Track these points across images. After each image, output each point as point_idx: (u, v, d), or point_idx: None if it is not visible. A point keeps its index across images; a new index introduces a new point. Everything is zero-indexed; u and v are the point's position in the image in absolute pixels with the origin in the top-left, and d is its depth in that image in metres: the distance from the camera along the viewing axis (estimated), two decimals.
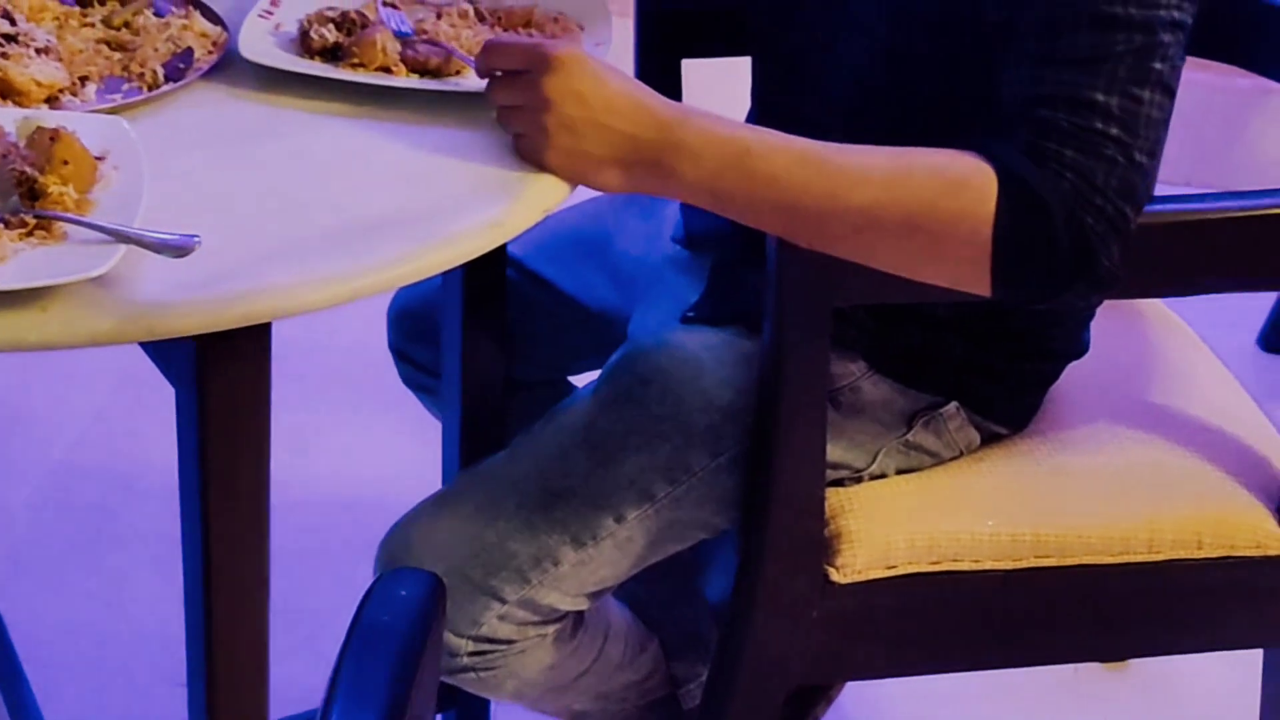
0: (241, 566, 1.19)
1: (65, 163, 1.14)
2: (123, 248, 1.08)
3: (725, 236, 1.55)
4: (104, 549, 2.22)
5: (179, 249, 1.09)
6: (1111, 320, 1.67)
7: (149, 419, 2.44)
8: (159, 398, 2.45)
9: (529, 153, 1.28)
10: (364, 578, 1.89)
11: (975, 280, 1.28)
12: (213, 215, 1.14)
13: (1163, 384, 1.67)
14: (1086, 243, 1.24)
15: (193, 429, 1.18)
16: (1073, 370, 1.59)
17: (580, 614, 1.54)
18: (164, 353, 1.20)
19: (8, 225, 1.10)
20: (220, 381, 1.15)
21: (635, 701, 1.71)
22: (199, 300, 1.08)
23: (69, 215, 1.11)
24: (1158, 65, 1.26)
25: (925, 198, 1.27)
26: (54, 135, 1.14)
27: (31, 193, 1.13)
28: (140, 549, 2.22)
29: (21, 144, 1.17)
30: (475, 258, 1.66)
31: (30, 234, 1.10)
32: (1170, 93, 1.27)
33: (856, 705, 2.05)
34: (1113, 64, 1.25)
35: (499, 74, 1.29)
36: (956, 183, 1.26)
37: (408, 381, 1.86)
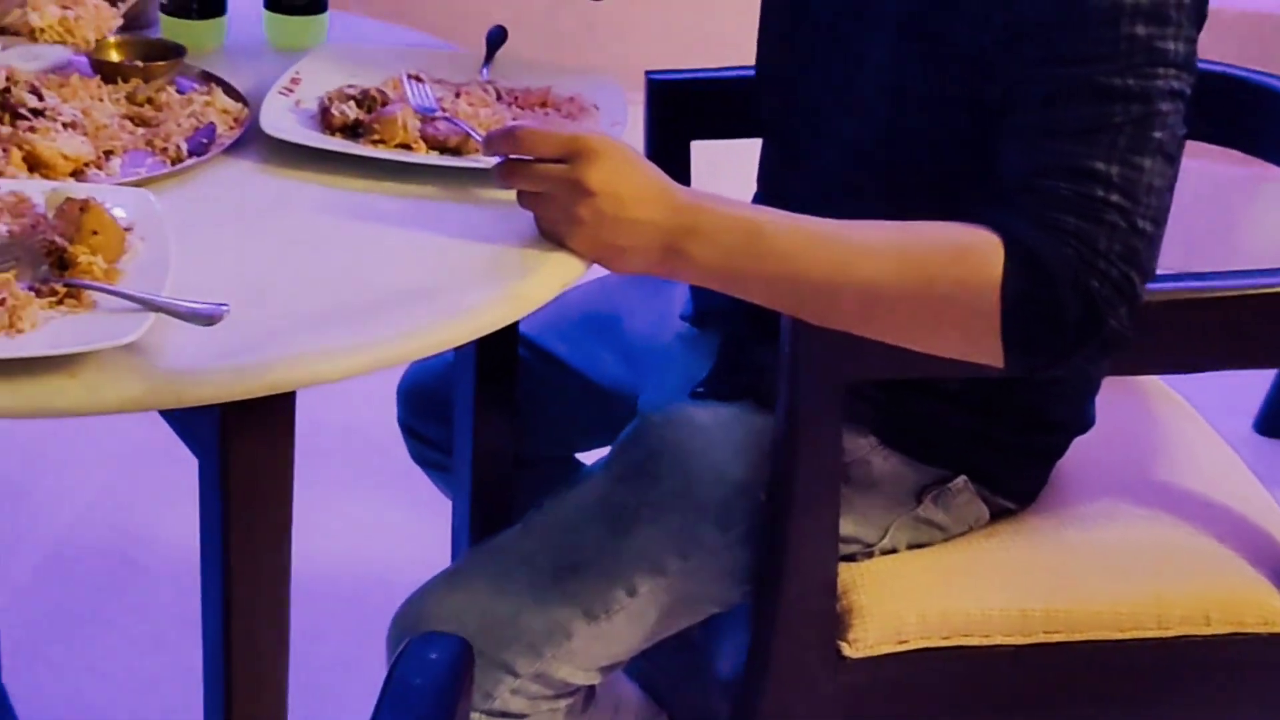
0: (262, 633, 1.20)
1: (94, 233, 1.15)
2: (151, 316, 1.10)
3: (733, 313, 1.57)
4: (106, 625, 2.22)
5: (208, 317, 1.10)
6: (1115, 397, 1.69)
7: (152, 497, 2.46)
8: (163, 475, 2.49)
9: (554, 235, 1.30)
10: (373, 655, 1.91)
11: (986, 349, 1.30)
12: (237, 287, 1.15)
13: (1167, 461, 1.68)
14: (1093, 306, 1.26)
15: (215, 497, 1.19)
16: (1079, 446, 1.60)
17: (592, 689, 1.54)
18: (188, 422, 1.21)
19: (38, 294, 1.12)
20: (244, 449, 1.16)
21: None
22: (226, 369, 1.09)
23: (98, 284, 1.13)
24: (1157, 134, 1.28)
25: (932, 267, 1.29)
26: (84, 206, 1.16)
27: (61, 262, 1.15)
28: (143, 626, 2.22)
29: (50, 215, 1.19)
30: (488, 335, 1.71)
31: (60, 302, 1.12)
32: (1172, 160, 1.29)
33: None
34: (1112, 134, 1.27)
35: (518, 158, 1.31)
36: (962, 251, 1.29)
37: (417, 458, 1.87)
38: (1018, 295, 1.27)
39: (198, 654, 2.10)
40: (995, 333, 1.29)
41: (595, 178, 1.27)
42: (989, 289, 1.28)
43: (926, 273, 1.29)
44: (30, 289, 1.12)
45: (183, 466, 2.48)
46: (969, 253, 1.29)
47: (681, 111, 1.81)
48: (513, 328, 1.75)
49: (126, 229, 1.20)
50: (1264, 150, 1.80)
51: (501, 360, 1.73)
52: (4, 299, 1.09)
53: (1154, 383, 1.81)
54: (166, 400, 1.07)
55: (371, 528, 2.39)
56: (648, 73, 1.79)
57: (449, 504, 1.76)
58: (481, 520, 1.68)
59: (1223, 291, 1.42)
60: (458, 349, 1.74)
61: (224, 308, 1.11)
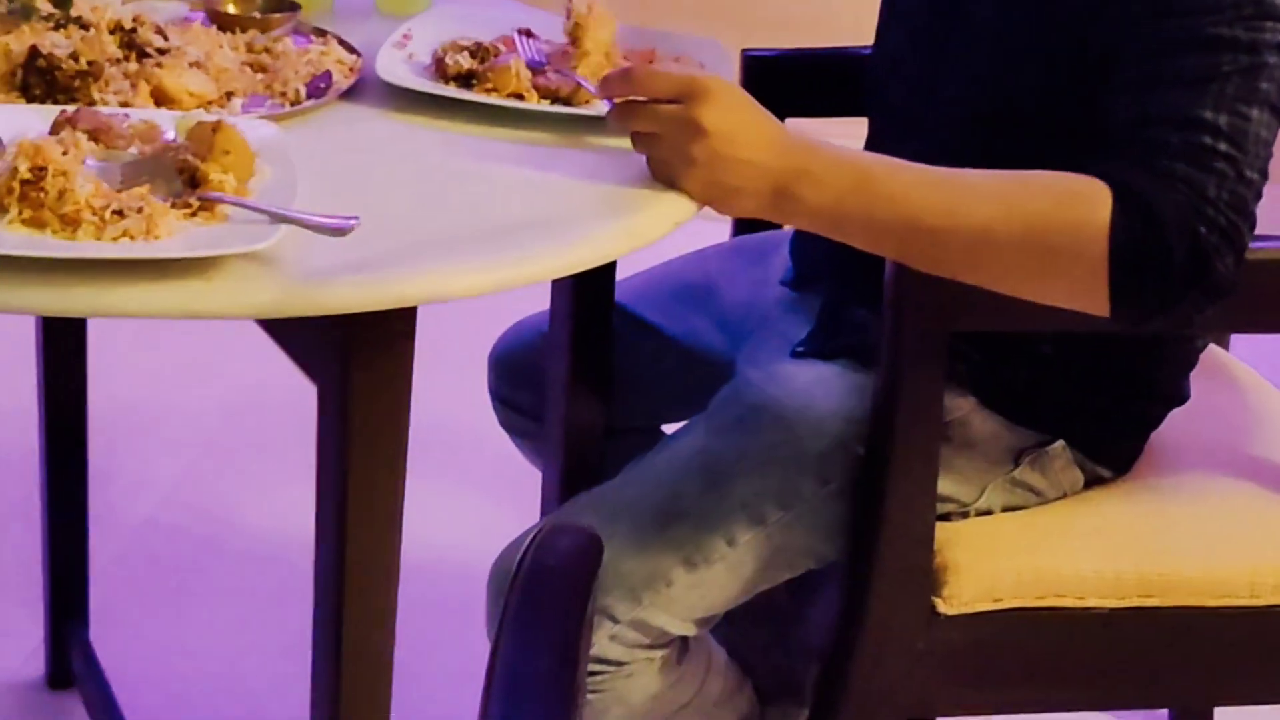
0: (376, 550, 1.22)
1: (226, 152, 1.18)
2: (283, 227, 1.12)
3: (835, 274, 1.59)
4: (190, 604, 2.24)
5: (338, 229, 1.13)
6: (1208, 380, 1.70)
7: (230, 481, 2.49)
8: (240, 461, 2.51)
9: (666, 176, 1.32)
10: (452, 635, 1.92)
11: (1092, 296, 1.31)
12: (361, 209, 1.17)
13: (1260, 438, 1.69)
14: (1201, 252, 1.27)
15: (335, 419, 1.21)
16: (1173, 420, 1.61)
17: (685, 643, 1.55)
18: (308, 346, 1.24)
19: (173, 206, 1.14)
20: (366, 366, 1.18)
21: None
22: (355, 280, 1.11)
23: (231, 198, 1.15)
24: (1264, 85, 1.30)
25: (1040, 211, 1.30)
26: (215, 126, 1.19)
27: (193, 181, 1.17)
28: (223, 601, 2.24)
29: (181, 139, 1.22)
30: (583, 303, 1.73)
31: (194, 215, 1.14)
32: (1277, 113, 1.31)
33: None
34: (1220, 83, 1.29)
35: (633, 100, 1.33)
36: (1071, 197, 1.30)
37: (506, 426, 1.89)
38: (1126, 241, 1.29)
39: (272, 624, 2.14)
40: (1102, 279, 1.30)
41: (710, 117, 1.29)
42: (1097, 235, 1.29)
43: (1035, 218, 1.31)
44: (165, 202, 1.15)
45: (257, 452, 2.53)
46: (1078, 199, 1.30)
47: (777, 89, 1.81)
48: (608, 296, 1.77)
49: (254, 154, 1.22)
50: None
51: (596, 328, 1.76)
52: (141, 207, 1.12)
53: (1246, 370, 1.81)
54: (296, 308, 1.10)
55: (453, 511, 2.40)
56: (744, 51, 1.81)
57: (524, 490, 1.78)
58: (571, 489, 1.70)
59: None
60: (552, 317, 1.76)
61: (354, 220, 1.13)
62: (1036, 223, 1.31)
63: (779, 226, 1.87)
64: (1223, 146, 1.29)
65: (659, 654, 1.51)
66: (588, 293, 1.75)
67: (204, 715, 2.05)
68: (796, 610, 1.78)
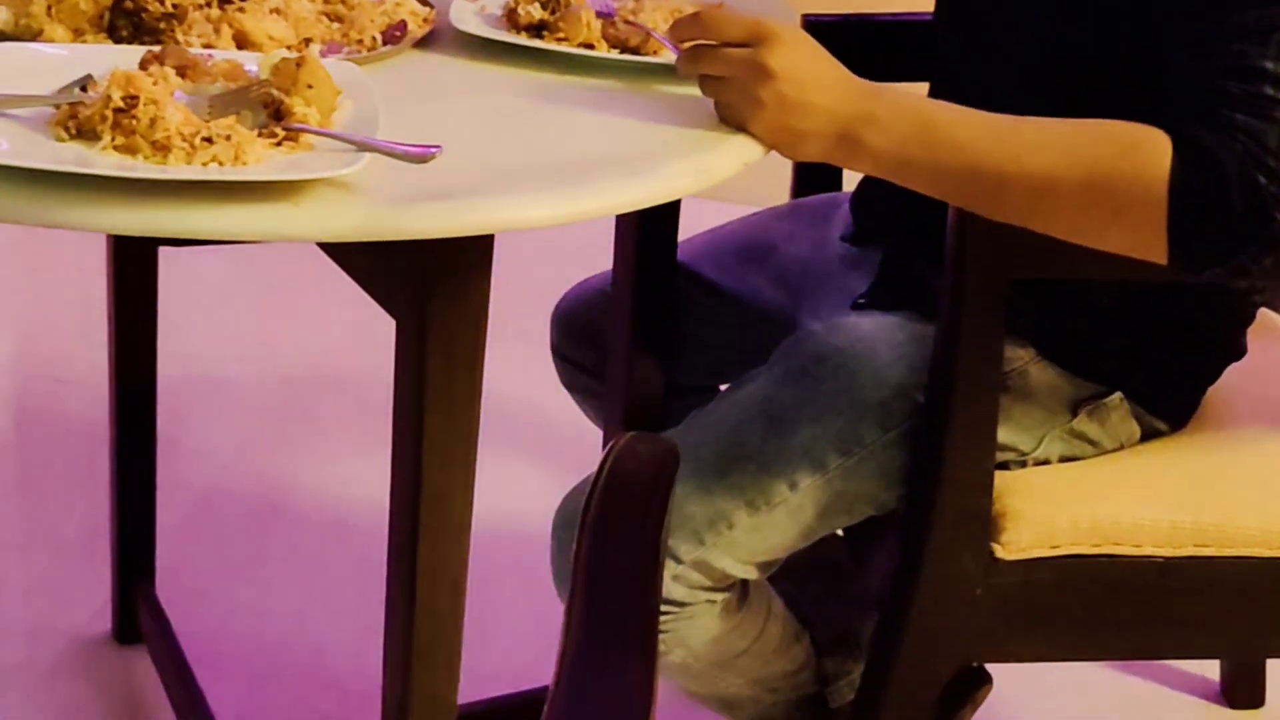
0: (452, 473, 1.25)
1: (310, 86, 1.21)
2: (367, 156, 1.16)
3: (896, 229, 1.61)
4: (253, 565, 2.28)
5: (421, 156, 1.16)
6: (1263, 340, 1.72)
7: (289, 450, 2.53)
8: (295, 431, 2.56)
9: (735, 120, 1.35)
10: (514, 595, 1.95)
11: (1152, 244, 1.33)
12: (440, 144, 1.20)
13: None
14: (1260, 202, 1.29)
15: (413, 349, 1.24)
16: (1228, 378, 1.63)
17: (746, 589, 1.58)
18: (387, 275, 1.27)
19: (259, 136, 1.18)
20: (444, 296, 1.22)
21: (786, 695, 1.75)
22: (437, 207, 1.14)
23: (316, 128, 1.19)
24: None
25: (1102, 160, 1.33)
26: (299, 61, 1.22)
27: (277, 114, 1.21)
28: (287, 568, 2.28)
29: (265, 75, 1.25)
30: (646, 262, 1.76)
31: (279, 144, 1.18)
32: None
33: None
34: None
35: (701, 44, 1.36)
36: (1132, 145, 1.32)
37: (569, 384, 1.92)
38: (1186, 189, 1.31)
39: (334, 584, 2.17)
40: (1162, 227, 1.32)
41: (777, 61, 1.32)
42: (1158, 182, 1.31)
43: (1096, 166, 1.33)
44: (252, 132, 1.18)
45: (312, 423, 2.57)
46: (1139, 147, 1.33)
47: (837, 55, 1.85)
48: (670, 255, 1.81)
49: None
50: None
51: (659, 286, 1.79)
52: (229, 135, 1.15)
53: None
54: (380, 232, 1.13)
55: (515, 477, 2.42)
56: (805, 15, 1.84)
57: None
58: None
59: None
60: (615, 275, 1.80)
61: (436, 148, 1.16)
62: (1098, 170, 1.34)
63: (838, 187, 1.90)
64: None
65: (720, 597, 1.54)
66: (650, 251, 1.78)
67: (270, 669, 2.08)
68: (854, 564, 1.81)
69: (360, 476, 2.42)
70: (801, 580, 1.76)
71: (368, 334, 2.90)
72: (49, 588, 2.19)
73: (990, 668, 1.79)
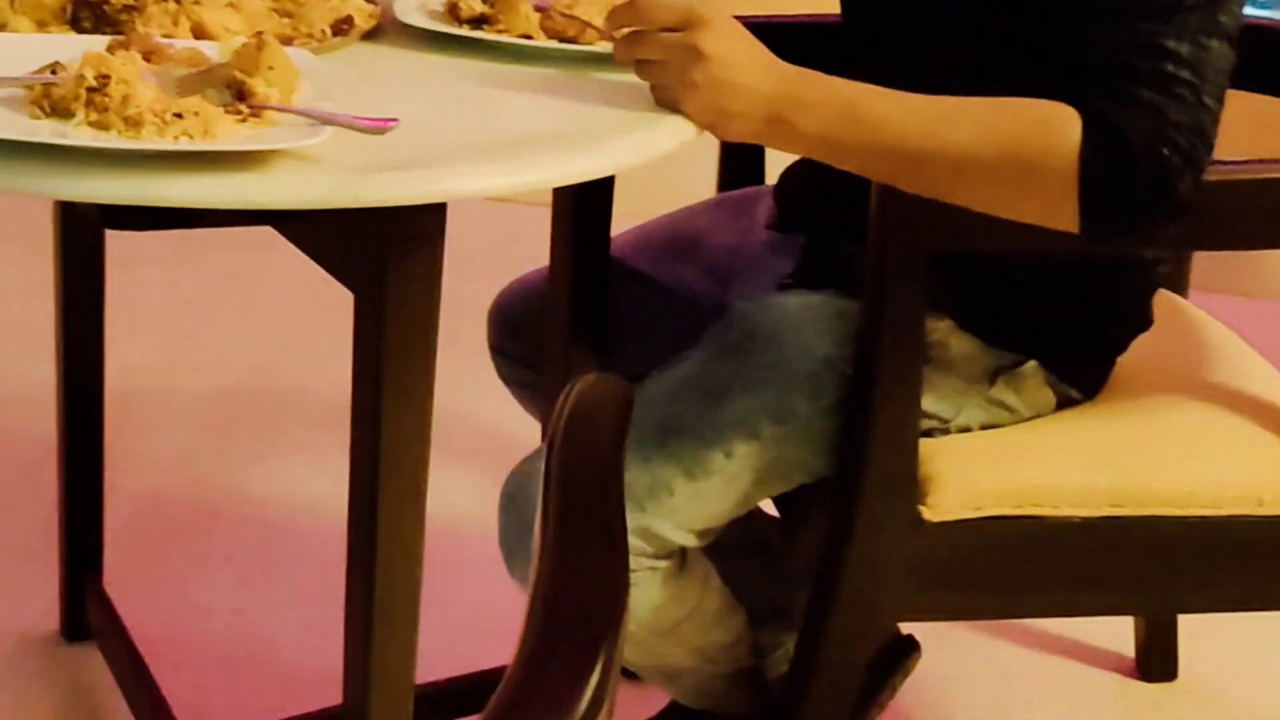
0: (411, 433, 1.31)
1: (270, 68, 1.28)
2: (328, 129, 1.22)
3: (818, 214, 1.70)
4: (196, 569, 2.32)
5: (379, 129, 1.23)
6: (1168, 316, 1.82)
7: (227, 458, 2.58)
8: (237, 438, 2.61)
9: (669, 101, 1.43)
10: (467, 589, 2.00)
11: (1064, 214, 1.42)
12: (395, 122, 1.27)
13: (1218, 368, 1.80)
14: (1164, 172, 1.38)
15: (372, 315, 1.30)
16: (1138, 350, 1.72)
17: (685, 557, 1.65)
18: (345, 245, 1.33)
19: (225, 113, 1.24)
20: (401, 262, 1.28)
21: (724, 667, 1.81)
22: (396, 176, 1.21)
23: (280, 106, 1.25)
24: (1223, 19, 1.41)
25: (1016, 135, 1.42)
26: (260, 44, 1.29)
27: (240, 94, 1.27)
28: (231, 569, 2.33)
29: (226, 59, 1.32)
30: (581, 255, 1.83)
31: (244, 120, 1.24)
32: (1234, 45, 1.43)
33: (915, 704, 2.15)
34: (1184, 15, 1.41)
35: (637, 30, 1.44)
36: (1044, 120, 1.41)
37: (506, 378, 1.98)
38: (1095, 161, 1.40)
39: (276, 584, 2.22)
40: (1073, 198, 1.41)
41: (709, 44, 1.40)
42: (1069, 155, 1.40)
43: (1011, 141, 1.42)
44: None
45: (250, 432, 2.62)
46: (1050, 122, 1.42)
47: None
48: (604, 250, 1.88)
49: None
50: None
51: (593, 280, 1.86)
52: (198, 111, 1.22)
53: (1199, 311, 1.93)
54: (343, 199, 1.19)
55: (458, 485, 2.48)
56: (735, 18, 1.92)
57: None
58: None
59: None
60: (551, 270, 1.87)
61: (393, 121, 1.23)
62: (1012, 145, 1.42)
63: (761, 181, 1.99)
64: (1185, 74, 1.41)
65: (662, 564, 1.61)
66: (584, 247, 1.86)
67: (220, 661, 2.13)
68: (787, 541, 1.88)
69: (296, 480, 2.48)
70: (735, 560, 1.83)
71: (303, 348, 2.95)
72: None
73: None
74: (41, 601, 2.18)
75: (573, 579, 0.81)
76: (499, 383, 1.99)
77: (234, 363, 2.88)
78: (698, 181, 2.09)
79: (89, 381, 2.07)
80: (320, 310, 3.09)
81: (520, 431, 2.03)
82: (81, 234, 1.98)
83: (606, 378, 1.08)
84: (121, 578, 2.18)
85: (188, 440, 2.63)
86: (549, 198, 1.79)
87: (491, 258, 2.51)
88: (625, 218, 1.92)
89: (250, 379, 2.83)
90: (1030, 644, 2.32)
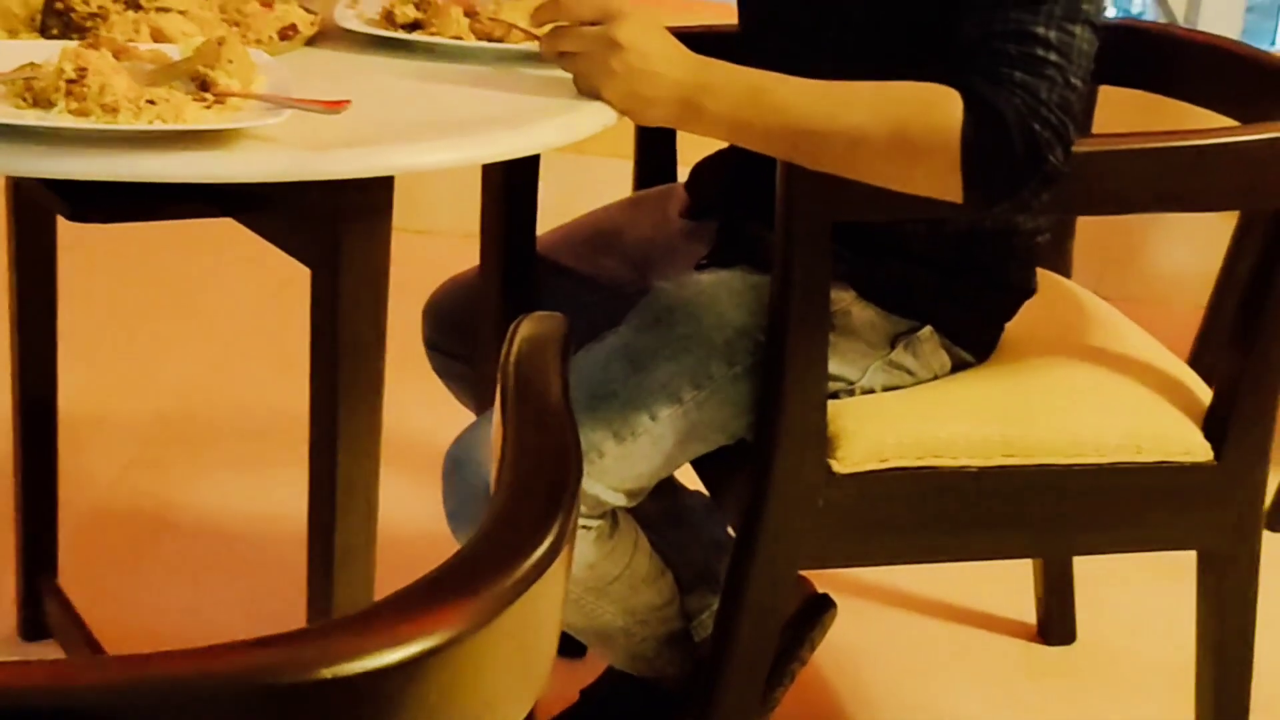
0: (363, 393, 1.45)
1: (230, 61, 1.41)
2: (288, 111, 1.36)
3: (728, 200, 1.85)
4: (146, 574, 2.43)
5: (334, 109, 1.36)
6: (1050, 291, 1.98)
7: (169, 473, 2.69)
8: (176, 454, 2.72)
9: (590, 89, 1.57)
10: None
11: (949, 186, 1.57)
12: (344, 113, 1.41)
13: (1100, 333, 1.97)
14: (1036, 145, 1.54)
15: (328, 285, 1.43)
16: (1024, 317, 1.88)
17: (616, 518, 1.78)
18: (302, 221, 1.46)
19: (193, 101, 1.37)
20: (354, 235, 1.42)
21: (654, 629, 1.95)
22: (350, 152, 1.35)
23: (241, 92, 1.39)
24: (1086, 6, 1.58)
25: (904, 116, 1.57)
26: (220, 40, 1.42)
27: (204, 86, 1.40)
28: (178, 572, 2.44)
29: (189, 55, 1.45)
30: (510, 253, 1.97)
31: (209, 107, 1.37)
32: (1096, 30, 1.59)
33: (833, 672, 2.29)
34: (1050, 4, 1.57)
35: (560, 25, 1.59)
36: (929, 101, 1.57)
37: (442, 372, 2.11)
38: (974, 136, 1.56)
39: (227, 593, 2.33)
40: (956, 170, 1.57)
41: (625, 35, 1.55)
42: (951, 132, 1.56)
43: (899, 122, 1.58)
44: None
45: (191, 447, 2.73)
46: (934, 103, 1.57)
47: None
48: (530, 248, 2.02)
49: None
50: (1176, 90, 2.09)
51: (521, 275, 2.00)
52: (169, 99, 1.35)
53: (1079, 288, 2.10)
54: (303, 173, 1.33)
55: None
56: None
57: None
58: None
59: (1148, 144, 1.70)
60: (482, 266, 2.01)
61: (347, 102, 1.37)
62: (900, 125, 1.58)
63: (673, 179, 2.13)
64: (1053, 57, 1.57)
65: (595, 524, 1.74)
66: (512, 245, 2.00)
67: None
68: (710, 510, 2.02)
69: (237, 494, 2.60)
70: (662, 530, 1.97)
71: (235, 370, 3.07)
72: None
73: (831, 629, 2.03)
74: (1, 603, 2.29)
75: (531, 453, 0.95)
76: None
77: (163, 389, 2.99)
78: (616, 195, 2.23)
79: (43, 393, 2.18)
80: (246, 333, 3.21)
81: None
82: (35, 247, 2.10)
83: (548, 314, 1.22)
84: (76, 582, 2.29)
85: (130, 456, 2.74)
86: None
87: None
88: (546, 221, 2.06)
89: (180, 403, 2.95)
90: (938, 615, 2.47)
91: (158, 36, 1.57)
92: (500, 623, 0.76)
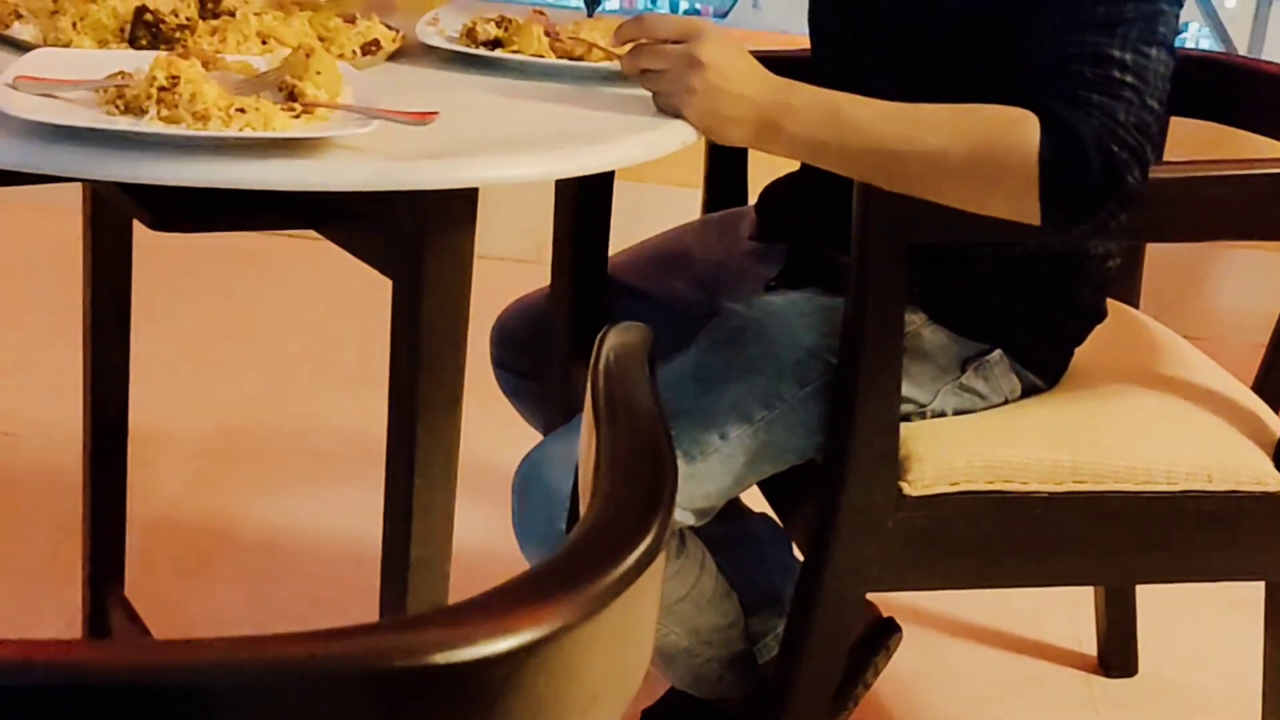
0: (443, 406, 1.45)
1: (319, 73, 1.43)
2: (375, 122, 1.37)
3: (799, 222, 1.85)
4: (208, 586, 2.45)
5: (421, 121, 1.38)
6: (1119, 320, 1.98)
7: (232, 488, 2.71)
8: (240, 470, 2.74)
9: (671, 107, 1.58)
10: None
11: (1027, 208, 1.58)
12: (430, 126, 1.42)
13: (1170, 362, 1.97)
14: (1113, 167, 1.55)
15: (409, 297, 1.45)
16: (1094, 343, 1.88)
17: (684, 538, 1.79)
18: (384, 233, 1.48)
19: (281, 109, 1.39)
20: (436, 248, 1.43)
21: (718, 650, 1.95)
22: (436, 163, 1.36)
23: (329, 103, 1.40)
24: (1161, 29, 1.58)
25: (982, 137, 1.58)
26: (309, 51, 1.44)
27: (291, 96, 1.42)
28: (238, 591, 2.46)
29: (277, 66, 1.46)
30: (581, 274, 1.98)
31: (298, 116, 1.39)
32: (1172, 52, 1.60)
33: (894, 699, 2.29)
34: (1125, 27, 1.57)
35: (642, 43, 1.60)
36: (1007, 123, 1.58)
37: (511, 391, 2.13)
38: (1052, 158, 1.56)
39: (288, 607, 2.34)
40: (1034, 192, 1.57)
41: (707, 54, 1.56)
42: (1029, 154, 1.56)
43: (978, 143, 1.58)
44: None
45: (251, 464, 2.75)
46: (1012, 125, 1.58)
47: None
48: (602, 268, 2.04)
49: None
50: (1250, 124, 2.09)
51: (591, 295, 2.02)
52: (258, 108, 1.36)
53: (1147, 317, 2.10)
54: (391, 183, 1.34)
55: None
56: None
57: None
58: None
59: (1224, 170, 1.71)
60: (553, 286, 2.02)
61: (434, 114, 1.38)
62: (979, 147, 1.58)
63: (744, 203, 2.14)
64: (1129, 79, 1.57)
65: None
66: (584, 266, 2.02)
67: None
68: (778, 532, 2.03)
69: (300, 507, 2.61)
70: (728, 552, 1.97)
71: (298, 388, 3.09)
72: (19, 603, 2.35)
73: (894, 656, 2.03)
74: (67, 611, 2.30)
75: (626, 456, 0.95)
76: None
77: (227, 403, 3.02)
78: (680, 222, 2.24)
79: (114, 408, 2.20)
80: (310, 352, 3.23)
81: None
82: (110, 262, 2.12)
83: (633, 324, 1.23)
84: (141, 593, 2.30)
85: (191, 472, 2.75)
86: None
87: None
88: (616, 244, 2.08)
89: (243, 418, 2.97)
90: (999, 645, 2.46)
91: (270, 37, 1.59)
92: (605, 617, 0.77)
